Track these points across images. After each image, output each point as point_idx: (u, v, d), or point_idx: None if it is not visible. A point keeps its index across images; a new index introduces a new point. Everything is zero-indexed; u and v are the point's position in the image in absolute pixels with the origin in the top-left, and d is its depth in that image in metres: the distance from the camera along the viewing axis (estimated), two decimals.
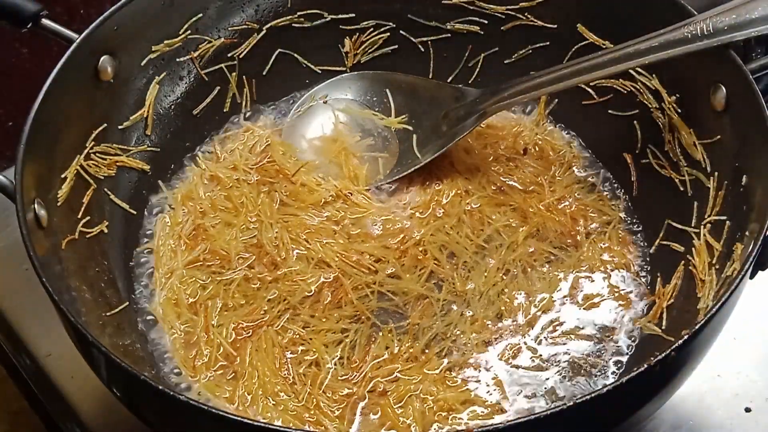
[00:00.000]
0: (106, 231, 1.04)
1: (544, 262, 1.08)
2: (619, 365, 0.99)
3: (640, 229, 1.10)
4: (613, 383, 0.78)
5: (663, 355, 0.80)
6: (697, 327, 0.81)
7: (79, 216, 1.01)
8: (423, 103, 1.19)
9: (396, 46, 1.23)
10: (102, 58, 1.05)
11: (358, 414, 0.96)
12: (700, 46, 0.98)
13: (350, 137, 1.19)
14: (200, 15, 1.14)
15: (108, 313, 0.98)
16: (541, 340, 1.01)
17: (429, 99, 1.19)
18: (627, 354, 1.00)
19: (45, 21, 1.06)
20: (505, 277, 1.06)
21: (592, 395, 0.78)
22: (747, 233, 0.91)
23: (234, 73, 1.19)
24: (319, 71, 1.23)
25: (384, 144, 1.19)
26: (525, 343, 1.01)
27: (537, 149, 1.17)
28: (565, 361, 0.99)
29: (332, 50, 1.22)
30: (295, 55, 1.22)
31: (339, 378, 0.98)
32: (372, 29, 1.22)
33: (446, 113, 1.16)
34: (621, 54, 1.03)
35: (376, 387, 0.97)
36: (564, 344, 1.01)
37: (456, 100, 1.16)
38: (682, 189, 1.05)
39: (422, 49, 1.23)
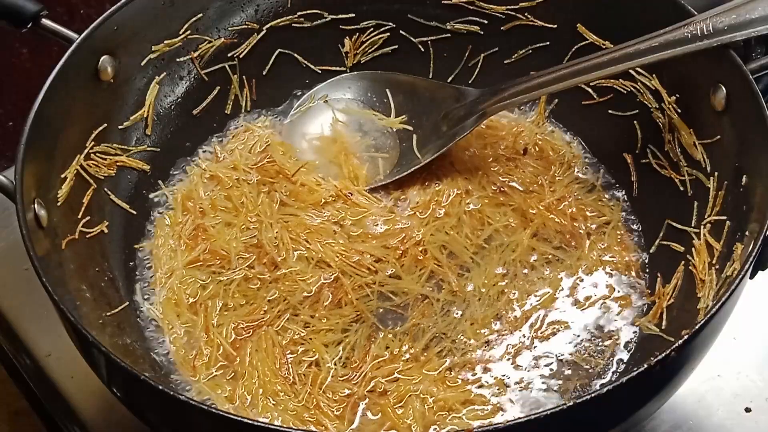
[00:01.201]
0: (106, 231, 1.04)
1: (544, 262, 1.08)
2: (619, 365, 0.99)
3: (640, 229, 1.10)
4: (613, 383, 0.78)
5: (663, 355, 0.80)
6: (697, 327, 0.81)
7: (79, 216, 1.01)
8: (423, 103, 1.19)
9: (396, 46, 1.23)
10: (102, 58, 1.05)
11: (358, 414, 0.96)
12: (700, 46, 0.98)
13: (350, 137, 1.19)
14: (200, 15, 1.14)
15: (108, 313, 0.98)
16: (540, 340, 1.01)
17: (429, 99, 1.19)
18: (627, 354, 1.00)
19: (45, 21, 1.06)
20: (505, 278, 1.06)
21: (592, 395, 0.78)
22: (747, 233, 0.91)
23: (236, 75, 1.19)
24: (319, 71, 1.23)
25: (384, 144, 1.19)
26: (524, 343, 1.01)
27: (537, 149, 1.17)
28: (564, 361, 0.99)
29: (332, 50, 1.22)
30: (295, 55, 1.22)
31: (339, 378, 0.98)
32: (372, 29, 1.22)
33: (446, 113, 1.16)
34: (621, 54, 1.03)
35: (376, 387, 0.97)
36: (564, 344, 1.01)
37: (456, 100, 1.16)
38: (682, 189, 1.05)
39: (422, 49, 1.23)
